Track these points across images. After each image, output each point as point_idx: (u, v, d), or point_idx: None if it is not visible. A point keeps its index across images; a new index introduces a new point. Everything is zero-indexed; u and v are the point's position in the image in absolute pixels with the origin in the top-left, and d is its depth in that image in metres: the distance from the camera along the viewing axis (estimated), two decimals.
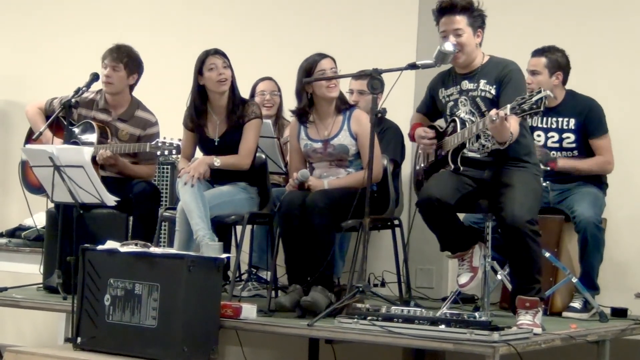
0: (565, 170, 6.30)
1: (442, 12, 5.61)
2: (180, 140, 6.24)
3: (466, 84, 5.64)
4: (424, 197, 5.57)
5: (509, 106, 5.21)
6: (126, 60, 6.53)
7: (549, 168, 6.20)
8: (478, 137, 5.60)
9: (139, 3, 8.28)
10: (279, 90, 7.10)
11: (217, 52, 6.14)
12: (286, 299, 5.72)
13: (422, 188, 5.77)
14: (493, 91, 5.55)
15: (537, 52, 6.39)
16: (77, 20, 8.39)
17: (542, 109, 5.14)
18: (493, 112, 5.26)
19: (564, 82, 6.41)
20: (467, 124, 5.59)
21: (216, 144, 6.17)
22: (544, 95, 5.12)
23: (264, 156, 6.38)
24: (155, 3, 8.26)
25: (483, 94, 5.58)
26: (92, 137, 6.52)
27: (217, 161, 6.04)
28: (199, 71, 6.13)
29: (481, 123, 5.44)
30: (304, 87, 5.99)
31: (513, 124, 5.30)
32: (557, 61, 6.30)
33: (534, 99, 5.13)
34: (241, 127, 6.12)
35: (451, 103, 5.70)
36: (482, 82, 5.59)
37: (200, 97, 6.18)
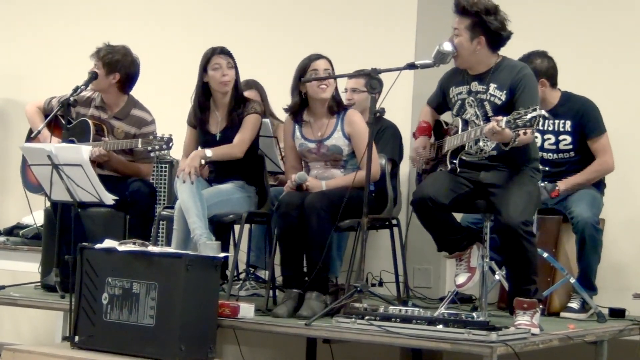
0: (570, 190, 6.26)
1: (454, 9, 5.62)
2: (171, 135, 6.23)
3: (476, 85, 5.63)
4: (418, 197, 5.58)
5: (504, 119, 5.19)
6: (104, 60, 6.54)
7: (553, 197, 6.19)
8: (477, 140, 5.60)
9: (138, 2, 8.28)
10: (263, 98, 7.06)
11: (222, 52, 6.15)
12: (282, 310, 5.66)
13: (417, 188, 5.78)
14: (503, 97, 5.53)
15: None
16: (77, 18, 8.39)
17: (534, 127, 5.14)
18: (490, 125, 5.24)
19: (553, 84, 6.38)
20: (469, 127, 5.59)
21: (217, 138, 6.19)
22: (538, 114, 5.11)
23: (262, 155, 6.38)
24: (153, 2, 8.26)
25: (492, 98, 5.56)
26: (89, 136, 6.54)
27: (209, 152, 6.04)
28: (204, 68, 6.15)
29: (479, 130, 5.45)
30: (299, 87, 5.99)
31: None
32: (536, 69, 6.09)
33: (529, 116, 5.11)
34: (241, 123, 6.14)
35: (459, 102, 5.69)
36: (493, 86, 5.57)
37: (204, 94, 6.20)
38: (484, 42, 5.55)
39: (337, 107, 6.05)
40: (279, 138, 6.79)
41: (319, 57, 5.99)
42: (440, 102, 5.91)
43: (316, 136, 6.05)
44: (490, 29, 5.53)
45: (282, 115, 6.42)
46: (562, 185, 6.24)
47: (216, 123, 6.22)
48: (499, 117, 5.24)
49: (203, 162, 6.05)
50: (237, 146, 6.11)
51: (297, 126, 6.11)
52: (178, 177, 5.99)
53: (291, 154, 6.18)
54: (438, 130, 5.96)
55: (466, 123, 5.64)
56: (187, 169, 5.95)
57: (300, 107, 6.06)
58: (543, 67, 6.30)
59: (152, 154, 6.37)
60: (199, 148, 6.28)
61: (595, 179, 6.35)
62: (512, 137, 5.23)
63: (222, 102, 6.20)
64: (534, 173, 5.62)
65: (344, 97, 6.44)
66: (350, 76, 6.38)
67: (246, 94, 6.83)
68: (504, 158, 5.54)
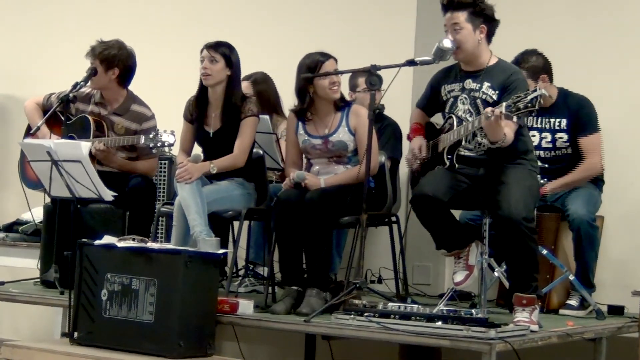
0: (557, 190, 6.26)
1: (445, 8, 5.63)
2: (173, 132, 6.22)
3: (470, 83, 5.64)
4: (417, 195, 5.58)
5: (504, 104, 5.21)
6: (101, 57, 6.53)
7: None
8: (474, 135, 5.60)
9: None
10: (272, 90, 7.05)
11: (211, 46, 6.12)
12: (280, 307, 5.65)
13: (416, 185, 5.78)
14: (495, 97, 5.54)
15: None
16: (76, 14, 8.39)
17: (536, 107, 5.15)
18: (489, 109, 5.26)
19: (551, 80, 6.38)
20: (463, 122, 5.59)
21: (211, 136, 6.18)
22: (539, 94, 5.12)
23: (261, 152, 6.38)
24: None
25: (484, 96, 5.57)
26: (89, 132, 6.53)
27: (214, 168, 6.01)
28: None
29: (477, 121, 5.45)
30: (307, 86, 5.96)
31: (507, 130, 5.32)
32: (533, 67, 6.19)
33: (529, 97, 5.13)
34: (237, 123, 6.10)
35: (451, 100, 5.70)
36: (486, 84, 5.58)
37: (201, 89, 6.20)
38: (485, 30, 5.60)
39: (342, 102, 6.05)
40: (287, 132, 6.77)
41: (327, 57, 5.94)
42: (430, 102, 5.91)
43: (322, 132, 6.03)
44: (488, 15, 5.59)
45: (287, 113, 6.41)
46: (549, 185, 6.24)
47: (211, 120, 6.20)
48: (497, 107, 5.24)
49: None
50: (239, 155, 6.07)
51: (300, 123, 6.09)
52: (176, 178, 5.96)
53: (293, 149, 6.16)
54: (430, 132, 5.95)
55: (460, 120, 5.64)
56: (187, 175, 5.91)
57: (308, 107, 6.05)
58: (540, 64, 6.32)
59: (154, 150, 6.37)
60: (196, 145, 6.29)
61: (583, 180, 6.32)
62: (502, 138, 5.26)
63: (215, 98, 6.16)
64: (533, 167, 5.63)
65: (346, 94, 6.43)
66: (350, 72, 6.37)
67: (244, 86, 6.86)
68: (502, 151, 5.53)
